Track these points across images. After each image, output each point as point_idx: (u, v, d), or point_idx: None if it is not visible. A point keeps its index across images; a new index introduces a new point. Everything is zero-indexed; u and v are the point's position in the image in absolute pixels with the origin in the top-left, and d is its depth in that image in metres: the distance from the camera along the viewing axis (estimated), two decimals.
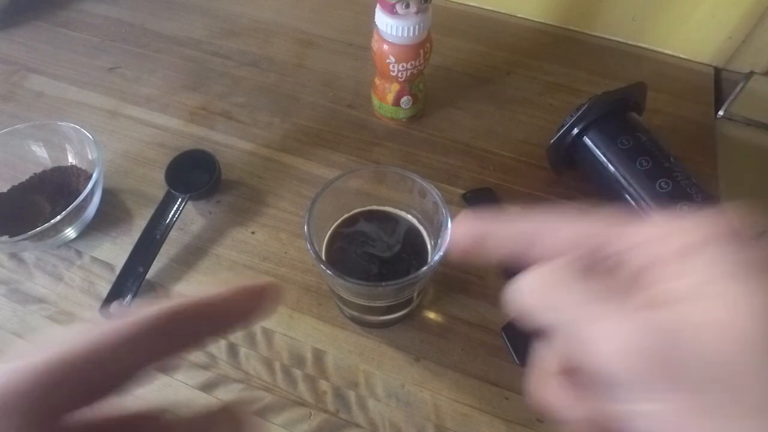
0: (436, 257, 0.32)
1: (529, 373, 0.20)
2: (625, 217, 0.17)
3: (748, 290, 0.14)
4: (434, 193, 0.34)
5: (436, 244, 0.35)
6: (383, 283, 0.32)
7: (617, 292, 0.16)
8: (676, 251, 0.15)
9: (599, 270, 0.17)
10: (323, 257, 0.36)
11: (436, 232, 0.35)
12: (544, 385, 0.19)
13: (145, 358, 0.15)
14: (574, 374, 0.18)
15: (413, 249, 0.36)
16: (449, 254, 0.21)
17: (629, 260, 0.17)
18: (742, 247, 0.15)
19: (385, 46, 0.46)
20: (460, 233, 0.20)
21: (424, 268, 0.32)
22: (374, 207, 0.38)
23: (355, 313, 0.40)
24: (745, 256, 0.14)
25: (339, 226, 0.37)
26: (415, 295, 0.37)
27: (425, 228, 0.37)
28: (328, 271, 0.31)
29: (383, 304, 0.37)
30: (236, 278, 0.17)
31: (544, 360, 0.19)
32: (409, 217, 0.38)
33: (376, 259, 0.36)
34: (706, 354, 0.14)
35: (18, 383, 0.12)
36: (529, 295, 0.17)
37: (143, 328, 0.14)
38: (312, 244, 0.32)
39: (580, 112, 0.44)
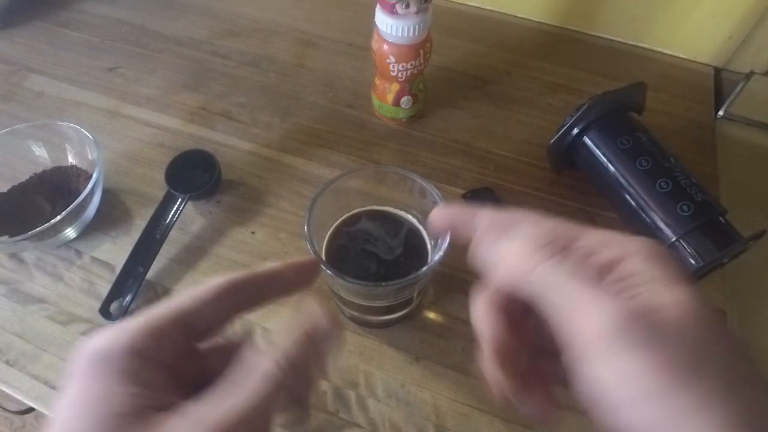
0: (436, 257, 0.32)
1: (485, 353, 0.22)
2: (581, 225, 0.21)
3: (687, 287, 0.18)
4: (434, 193, 0.34)
5: (436, 244, 0.35)
6: (383, 283, 0.32)
7: (596, 277, 0.19)
8: (631, 256, 0.20)
9: (574, 256, 0.20)
10: (323, 257, 0.36)
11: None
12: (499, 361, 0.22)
13: (225, 314, 0.21)
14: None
15: (413, 249, 0.36)
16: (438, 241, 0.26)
17: (595, 254, 0.20)
18: (672, 264, 0.19)
19: (385, 46, 0.46)
20: (438, 218, 0.24)
21: (424, 268, 0.32)
22: (374, 207, 0.38)
23: (355, 313, 0.40)
24: (675, 269, 0.19)
25: (339, 226, 0.37)
26: (415, 295, 0.37)
27: (425, 228, 0.37)
28: (328, 270, 0.31)
29: (383, 304, 0.37)
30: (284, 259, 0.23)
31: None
32: (409, 217, 0.38)
33: (376, 259, 0.36)
34: (673, 324, 0.17)
35: (149, 327, 0.18)
36: (516, 259, 0.20)
37: (222, 291, 0.20)
38: (312, 243, 0.32)
39: (580, 112, 0.44)
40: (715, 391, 0.16)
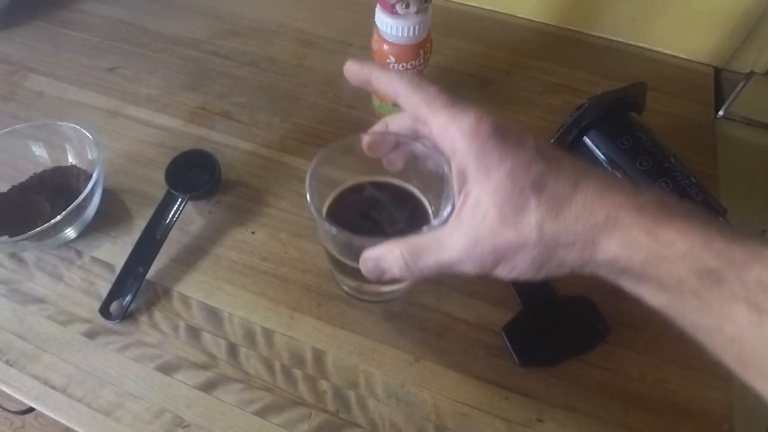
0: (436, 222, 0.32)
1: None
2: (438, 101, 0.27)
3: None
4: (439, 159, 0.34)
5: (436, 213, 0.36)
6: (380, 239, 0.31)
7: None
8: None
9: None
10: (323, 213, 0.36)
11: (437, 199, 0.35)
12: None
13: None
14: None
15: (415, 219, 0.37)
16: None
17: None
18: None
19: (385, 46, 0.46)
20: (351, 72, 0.31)
21: (424, 227, 0.32)
22: (377, 178, 0.39)
23: (353, 284, 0.40)
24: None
25: (341, 194, 0.38)
26: None
27: (426, 197, 0.38)
28: (325, 224, 0.31)
29: None
30: None
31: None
32: (410, 186, 0.38)
33: (377, 226, 0.36)
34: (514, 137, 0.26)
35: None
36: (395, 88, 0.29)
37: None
38: (313, 202, 0.32)
39: (580, 112, 0.44)
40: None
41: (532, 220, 0.24)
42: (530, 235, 0.24)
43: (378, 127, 0.35)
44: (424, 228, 0.30)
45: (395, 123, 0.34)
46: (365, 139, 0.35)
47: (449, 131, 0.26)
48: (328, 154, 0.35)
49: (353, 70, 0.31)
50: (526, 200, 0.24)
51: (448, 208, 0.31)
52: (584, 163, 0.26)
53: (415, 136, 0.33)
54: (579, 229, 0.24)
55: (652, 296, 0.24)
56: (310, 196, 0.33)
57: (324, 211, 0.37)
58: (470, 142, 0.25)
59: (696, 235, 0.22)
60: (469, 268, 0.27)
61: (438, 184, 0.34)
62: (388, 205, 0.38)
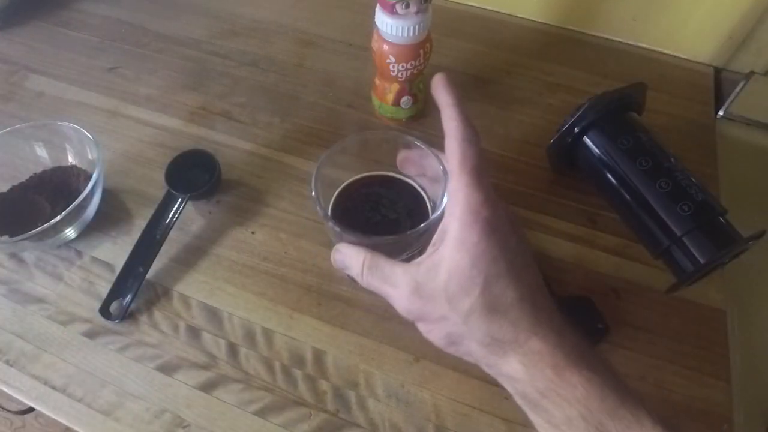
0: (435, 215, 0.34)
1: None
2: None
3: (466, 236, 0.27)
4: (439, 161, 0.36)
5: (435, 206, 0.37)
6: (384, 237, 0.34)
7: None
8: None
9: None
10: (329, 212, 0.38)
11: (436, 193, 0.37)
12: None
13: None
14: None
15: (416, 214, 0.39)
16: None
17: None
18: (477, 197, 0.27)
19: (385, 46, 0.46)
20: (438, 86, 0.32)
21: (422, 225, 0.34)
22: (380, 172, 0.41)
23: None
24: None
25: (344, 189, 0.40)
26: (412, 252, 0.38)
27: (425, 191, 0.40)
28: (331, 225, 0.34)
29: None
30: None
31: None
32: (410, 181, 0.40)
33: (379, 219, 0.38)
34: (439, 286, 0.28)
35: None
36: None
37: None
38: (319, 202, 0.35)
39: (580, 112, 0.44)
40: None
41: (465, 305, 0.27)
42: (457, 315, 0.27)
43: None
44: (410, 231, 0.34)
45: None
46: (399, 156, 0.39)
47: (459, 193, 0.27)
48: (329, 156, 0.37)
49: (437, 84, 0.32)
50: (473, 288, 0.26)
51: (439, 210, 0.34)
52: (542, 289, 0.29)
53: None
54: (497, 335, 0.27)
55: (540, 428, 0.27)
56: (317, 201, 0.35)
57: (330, 205, 0.39)
58: (466, 214, 0.27)
59: (596, 388, 0.25)
60: (399, 307, 0.30)
61: (437, 184, 0.36)
62: (389, 197, 0.40)
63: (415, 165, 0.39)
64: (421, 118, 0.55)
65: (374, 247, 0.34)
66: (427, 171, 0.38)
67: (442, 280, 0.27)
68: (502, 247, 0.27)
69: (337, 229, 0.34)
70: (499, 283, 0.26)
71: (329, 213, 0.39)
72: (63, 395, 0.38)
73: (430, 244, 0.30)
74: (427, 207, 0.39)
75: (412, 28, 0.44)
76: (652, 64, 0.62)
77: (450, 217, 0.28)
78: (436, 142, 0.53)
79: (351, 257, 0.33)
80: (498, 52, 0.62)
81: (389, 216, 0.39)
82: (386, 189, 0.40)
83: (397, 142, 0.39)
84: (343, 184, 0.41)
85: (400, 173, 0.41)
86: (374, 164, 0.41)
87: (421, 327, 0.30)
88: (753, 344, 0.43)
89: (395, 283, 0.30)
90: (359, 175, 0.41)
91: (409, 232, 0.35)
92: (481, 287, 0.26)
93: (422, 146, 0.37)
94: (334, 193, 0.40)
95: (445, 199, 0.33)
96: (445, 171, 0.35)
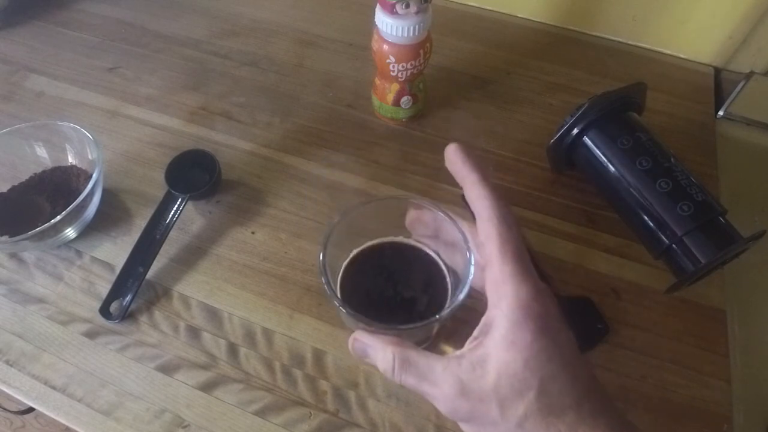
0: (460, 297, 0.29)
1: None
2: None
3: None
4: (458, 228, 0.31)
5: (455, 281, 0.33)
6: (400, 327, 0.29)
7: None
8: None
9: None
10: (338, 292, 0.33)
11: (454, 261, 0.33)
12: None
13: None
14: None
15: (433, 287, 0.34)
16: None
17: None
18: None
19: (385, 46, 0.46)
20: (452, 157, 0.29)
21: (445, 312, 0.29)
22: (391, 239, 0.36)
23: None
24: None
25: (355, 258, 0.35)
26: (433, 333, 0.35)
27: (440, 257, 0.35)
28: (343, 310, 0.29)
29: None
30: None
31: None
32: (427, 250, 0.35)
33: (393, 296, 0.33)
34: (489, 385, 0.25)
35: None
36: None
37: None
38: (328, 280, 0.30)
39: (580, 112, 0.44)
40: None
41: (520, 410, 0.24)
42: (510, 420, 0.24)
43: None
44: (438, 315, 0.29)
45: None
46: (409, 217, 0.34)
47: (504, 286, 0.25)
48: (335, 229, 0.32)
49: (454, 159, 0.29)
50: (527, 390, 0.24)
51: (465, 290, 0.29)
52: (594, 380, 0.26)
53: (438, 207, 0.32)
54: None
55: None
56: (328, 285, 0.30)
57: (339, 276, 0.34)
58: (515, 310, 0.24)
59: None
60: (442, 407, 0.27)
61: (454, 251, 0.32)
62: (401, 269, 0.35)
63: (427, 227, 0.34)
64: (421, 118, 0.55)
65: (397, 335, 0.30)
66: (440, 234, 0.34)
67: (491, 380, 0.24)
68: (555, 343, 0.24)
69: (359, 321, 0.29)
70: (556, 384, 0.24)
71: (338, 292, 0.33)
72: (63, 395, 0.38)
73: (472, 336, 0.27)
74: (444, 278, 0.34)
75: (412, 28, 0.44)
76: (652, 64, 0.62)
77: (495, 310, 0.25)
78: (436, 141, 0.54)
79: (376, 350, 0.29)
80: (498, 52, 0.62)
81: (404, 294, 0.33)
82: (398, 259, 0.35)
83: (404, 205, 0.34)
84: (351, 255, 0.35)
85: (411, 237, 0.35)
86: (382, 230, 0.36)
87: (465, 427, 0.28)
88: (753, 344, 0.43)
89: (435, 381, 0.27)
90: (367, 243, 0.35)
91: (436, 317, 0.29)
92: (537, 390, 0.24)
93: (435, 209, 0.32)
94: (341, 265, 0.35)
95: (470, 276, 0.29)
96: (465, 239, 0.30)
